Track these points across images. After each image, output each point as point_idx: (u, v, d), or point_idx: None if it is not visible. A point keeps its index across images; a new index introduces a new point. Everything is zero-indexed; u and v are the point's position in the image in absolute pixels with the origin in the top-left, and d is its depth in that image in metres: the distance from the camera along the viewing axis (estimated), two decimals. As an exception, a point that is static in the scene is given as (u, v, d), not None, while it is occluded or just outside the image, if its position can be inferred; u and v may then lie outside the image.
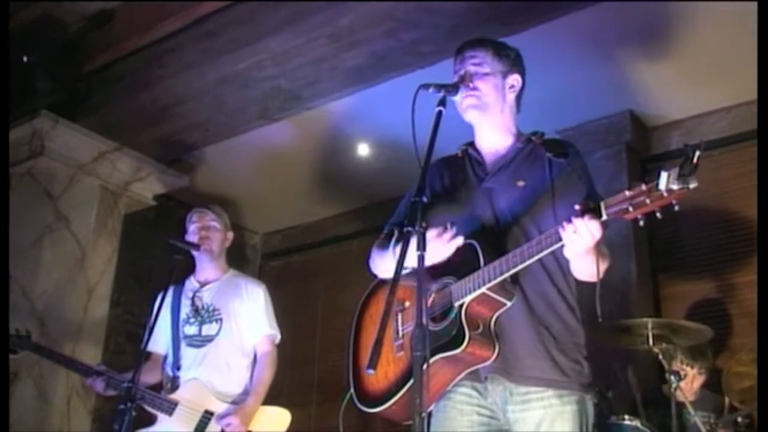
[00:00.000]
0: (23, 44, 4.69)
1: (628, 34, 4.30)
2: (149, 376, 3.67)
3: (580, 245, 2.02)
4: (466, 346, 2.15)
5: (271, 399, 3.68)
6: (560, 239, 2.04)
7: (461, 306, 2.21)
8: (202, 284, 3.82)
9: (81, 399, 4.77)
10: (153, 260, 5.70)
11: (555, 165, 2.33)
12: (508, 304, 2.24)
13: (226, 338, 3.67)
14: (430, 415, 2.32)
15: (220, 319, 3.70)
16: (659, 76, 4.60)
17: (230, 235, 3.93)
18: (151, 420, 3.57)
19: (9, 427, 4.21)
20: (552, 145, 2.42)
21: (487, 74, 2.45)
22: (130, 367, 3.32)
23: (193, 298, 3.76)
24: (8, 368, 4.20)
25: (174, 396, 3.57)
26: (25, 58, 4.67)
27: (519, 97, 2.54)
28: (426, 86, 2.29)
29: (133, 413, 3.04)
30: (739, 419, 3.60)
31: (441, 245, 2.24)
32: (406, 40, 4.06)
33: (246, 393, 3.61)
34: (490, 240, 2.28)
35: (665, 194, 1.82)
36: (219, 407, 3.54)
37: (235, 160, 5.64)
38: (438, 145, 2.15)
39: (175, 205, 5.81)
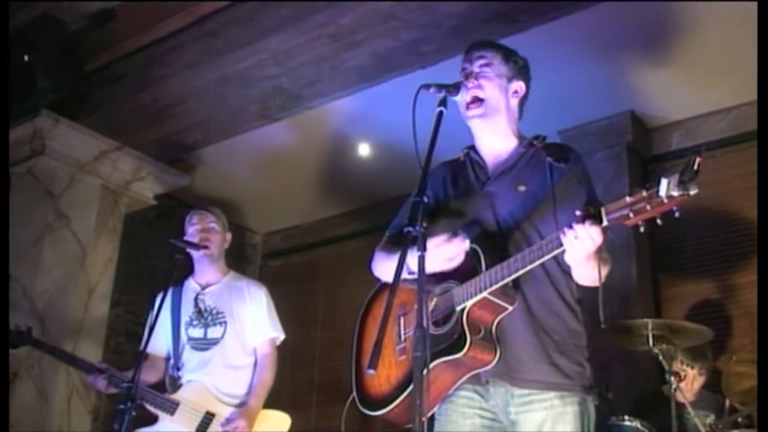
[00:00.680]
0: (24, 43, 4.67)
1: (629, 35, 4.30)
2: (149, 376, 3.67)
3: (581, 251, 2.02)
4: (468, 350, 2.15)
5: (271, 400, 3.69)
6: (561, 244, 2.04)
7: (463, 310, 2.20)
8: (204, 287, 3.82)
9: (81, 399, 4.77)
10: (153, 260, 5.71)
11: (556, 170, 2.33)
12: (510, 308, 2.24)
13: (231, 341, 3.68)
14: (432, 418, 2.32)
15: (225, 322, 3.70)
16: (660, 76, 4.60)
17: (229, 236, 3.93)
18: (152, 420, 3.57)
19: (9, 427, 4.21)
20: (553, 149, 2.42)
21: (492, 75, 2.45)
22: (130, 366, 3.33)
23: (195, 301, 3.76)
24: (8, 368, 4.20)
25: (176, 396, 3.58)
26: (25, 57, 4.66)
27: (522, 104, 2.54)
28: (427, 86, 2.28)
29: (133, 413, 3.04)
30: (739, 419, 3.60)
31: (451, 250, 2.22)
32: (407, 40, 4.06)
33: (249, 394, 3.63)
34: (491, 244, 2.28)
35: (665, 201, 1.82)
36: (220, 409, 3.54)
37: (236, 159, 5.64)
38: (438, 145, 2.14)
39: (176, 205, 5.81)
